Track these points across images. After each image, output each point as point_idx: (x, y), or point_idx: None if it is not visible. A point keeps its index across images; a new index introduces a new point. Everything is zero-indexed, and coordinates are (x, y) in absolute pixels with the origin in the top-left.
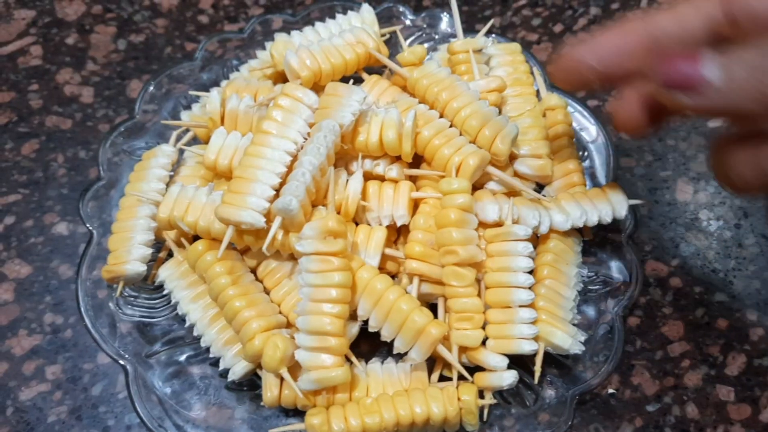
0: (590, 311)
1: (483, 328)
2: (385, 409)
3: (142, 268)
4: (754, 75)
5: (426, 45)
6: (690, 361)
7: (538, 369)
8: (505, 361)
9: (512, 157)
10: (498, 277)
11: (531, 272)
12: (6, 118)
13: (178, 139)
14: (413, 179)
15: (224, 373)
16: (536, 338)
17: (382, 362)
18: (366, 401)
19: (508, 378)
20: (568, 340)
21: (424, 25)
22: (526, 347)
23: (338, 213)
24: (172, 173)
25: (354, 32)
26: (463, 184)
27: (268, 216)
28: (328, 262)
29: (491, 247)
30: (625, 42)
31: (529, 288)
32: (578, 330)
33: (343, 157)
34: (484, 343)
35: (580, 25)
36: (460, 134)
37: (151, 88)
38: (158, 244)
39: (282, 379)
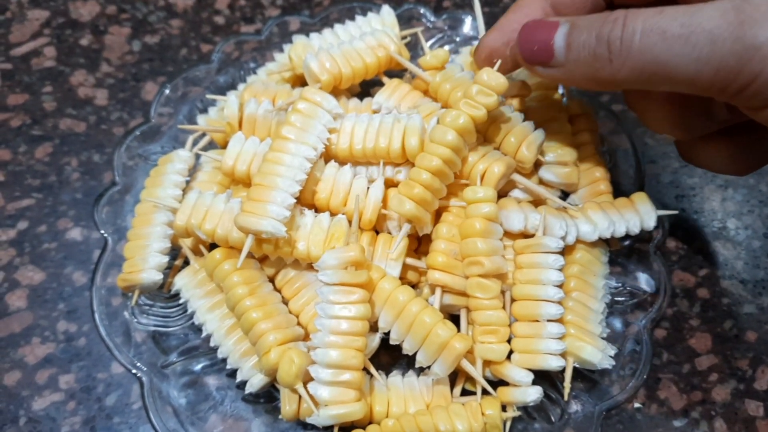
0: (616, 323)
1: (508, 341)
2: (408, 430)
3: (158, 276)
4: (586, 51)
5: (447, 47)
6: (718, 374)
7: (567, 386)
8: (530, 377)
9: (537, 164)
10: (527, 290)
11: (560, 286)
12: (19, 120)
13: (195, 143)
14: None
15: (241, 385)
16: (565, 353)
17: (403, 375)
18: (388, 423)
19: (533, 394)
20: (598, 354)
21: (445, 27)
22: (553, 363)
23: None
24: (188, 179)
25: (375, 35)
26: (489, 193)
27: (290, 224)
28: (350, 293)
29: (521, 258)
30: (526, 19)
31: (559, 302)
32: (607, 344)
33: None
34: (508, 356)
35: None
36: (485, 140)
37: (167, 91)
38: (174, 251)
39: None
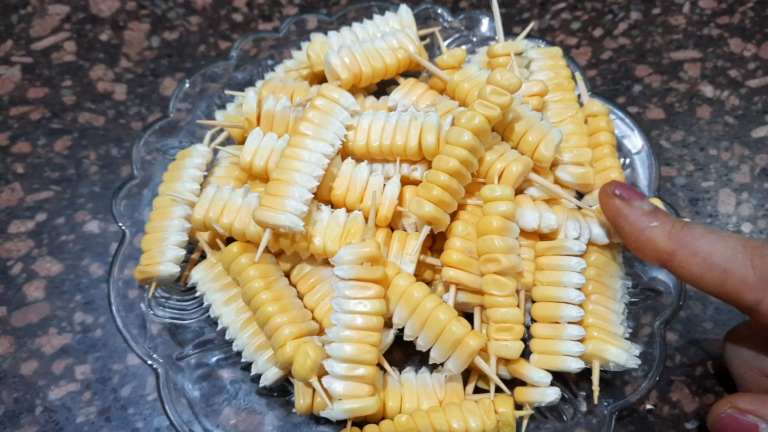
0: (629, 324)
1: (522, 339)
2: (421, 425)
3: (175, 269)
4: None
5: (464, 47)
6: (730, 378)
7: (596, 389)
8: (549, 377)
9: (553, 164)
10: (548, 292)
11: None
12: (39, 113)
13: (212, 138)
14: None
15: (255, 378)
16: (590, 356)
17: (416, 371)
18: (401, 419)
19: (551, 395)
20: (623, 355)
21: (462, 28)
22: (572, 365)
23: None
24: (206, 173)
25: (396, 35)
26: (507, 192)
27: (307, 219)
28: (365, 288)
29: (542, 260)
30: None
31: (579, 305)
32: (631, 344)
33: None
34: (522, 355)
35: (621, 29)
36: (502, 139)
37: (186, 86)
38: (191, 245)
39: None
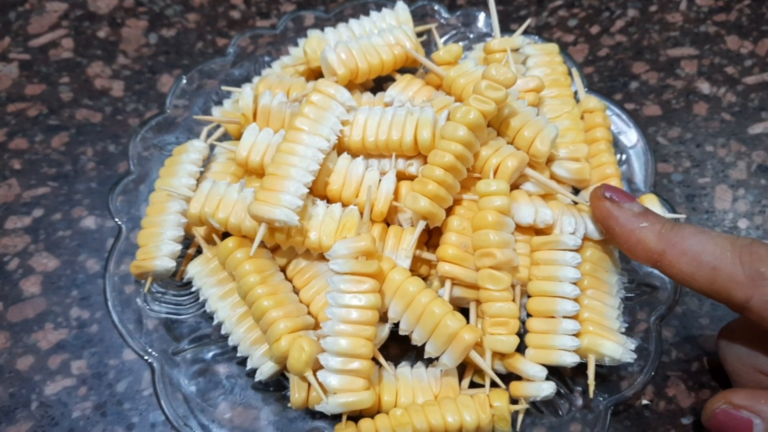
0: (625, 319)
1: (518, 334)
2: (416, 420)
3: (171, 264)
4: None
5: (460, 44)
6: (726, 373)
7: (591, 383)
8: (544, 372)
9: (549, 159)
10: (543, 286)
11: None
12: (36, 110)
13: (209, 134)
14: None
15: (251, 373)
16: (585, 350)
17: (412, 366)
18: (396, 413)
19: (547, 389)
20: (619, 349)
21: (459, 24)
22: (568, 359)
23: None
24: (202, 169)
25: (393, 32)
26: (502, 186)
27: (302, 214)
28: (360, 282)
29: (537, 255)
30: None
31: (575, 299)
32: (627, 338)
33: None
34: (518, 349)
35: (618, 27)
36: (498, 134)
37: (183, 82)
38: (187, 240)
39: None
